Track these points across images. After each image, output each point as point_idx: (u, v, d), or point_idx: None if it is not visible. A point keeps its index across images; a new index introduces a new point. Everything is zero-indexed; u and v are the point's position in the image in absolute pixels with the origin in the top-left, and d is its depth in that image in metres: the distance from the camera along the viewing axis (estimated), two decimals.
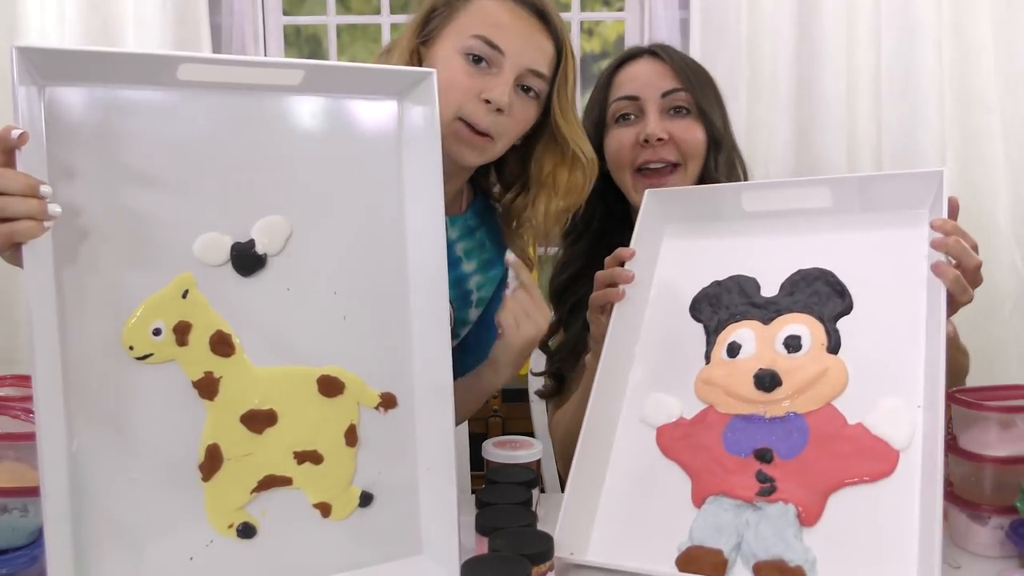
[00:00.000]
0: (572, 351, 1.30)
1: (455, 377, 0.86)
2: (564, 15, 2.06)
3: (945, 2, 1.77)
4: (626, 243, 1.05)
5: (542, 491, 1.19)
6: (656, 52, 1.27)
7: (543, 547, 0.77)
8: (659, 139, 1.21)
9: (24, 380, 1.12)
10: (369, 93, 0.85)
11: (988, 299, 1.76)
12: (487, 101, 0.99)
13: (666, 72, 1.24)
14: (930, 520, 0.76)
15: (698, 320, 0.98)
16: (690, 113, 1.23)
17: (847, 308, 0.92)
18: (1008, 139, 1.78)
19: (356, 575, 0.83)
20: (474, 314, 1.17)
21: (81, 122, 0.73)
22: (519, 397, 1.70)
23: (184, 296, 0.78)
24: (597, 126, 1.29)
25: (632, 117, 1.25)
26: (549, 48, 1.04)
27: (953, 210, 0.89)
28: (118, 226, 0.75)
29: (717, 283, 0.99)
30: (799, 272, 0.96)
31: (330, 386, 0.83)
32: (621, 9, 2.06)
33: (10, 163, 0.68)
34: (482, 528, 0.84)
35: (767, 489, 0.85)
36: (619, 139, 1.24)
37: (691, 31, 1.82)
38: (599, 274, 1.03)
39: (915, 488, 0.81)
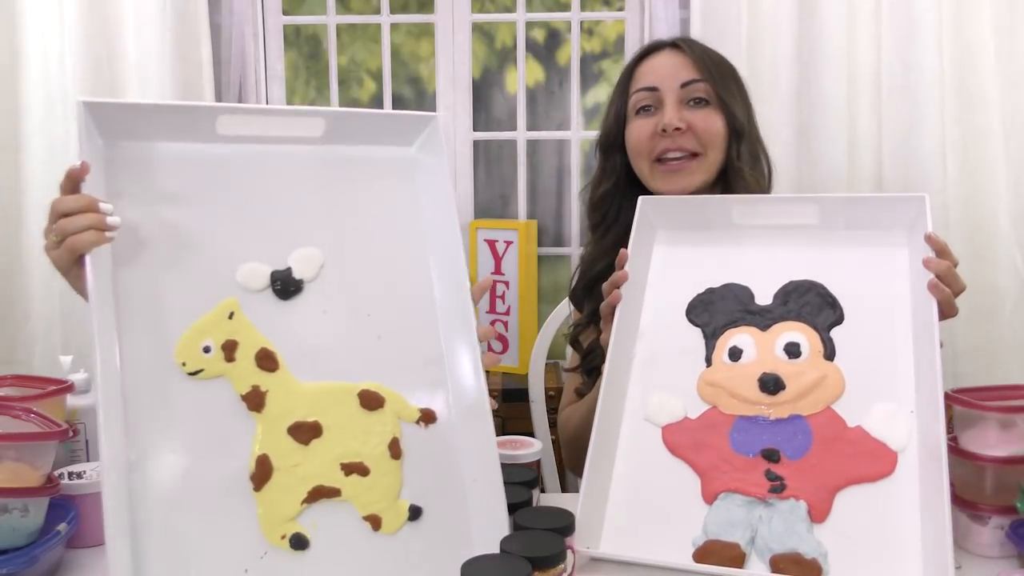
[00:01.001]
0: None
1: None
2: (564, 15, 2.07)
3: (945, 2, 1.76)
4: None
5: (542, 491, 1.20)
6: (678, 44, 1.29)
7: (556, 549, 0.77)
8: (677, 128, 1.23)
9: (24, 380, 1.12)
10: (383, 142, 0.96)
11: (988, 299, 1.76)
12: None
13: (686, 63, 1.26)
14: (939, 520, 0.80)
15: (695, 324, 1.01)
16: (710, 103, 1.25)
17: (839, 318, 0.96)
18: (1008, 139, 1.77)
19: None
20: None
21: (137, 173, 0.85)
22: (519, 397, 1.70)
23: (230, 317, 0.85)
24: (619, 118, 1.31)
25: (652, 108, 1.27)
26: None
27: (939, 248, 0.93)
28: (171, 257, 0.84)
29: (711, 290, 1.02)
30: (791, 283, 0.99)
31: (371, 400, 0.88)
32: (621, 9, 2.06)
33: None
34: None
35: (778, 487, 0.89)
36: (639, 129, 1.26)
37: (691, 31, 1.82)
38: (605, 284, 1.04)
39: (915, 487, 0.85)
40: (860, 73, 1.80)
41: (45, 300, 1.80)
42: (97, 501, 0.97)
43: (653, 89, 1.26)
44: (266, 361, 0.85)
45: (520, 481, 0.96)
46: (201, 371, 0.83)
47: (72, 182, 0.80)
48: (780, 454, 0.90)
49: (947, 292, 0.90)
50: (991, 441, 0.92)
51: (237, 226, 0.87)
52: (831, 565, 0.84)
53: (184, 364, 0.82)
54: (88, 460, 1.12)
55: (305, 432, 0.85)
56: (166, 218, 0.85)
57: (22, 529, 0.87)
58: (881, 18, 1.79)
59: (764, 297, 1.00)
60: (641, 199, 1.08)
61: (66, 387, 1.09)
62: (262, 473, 0.82)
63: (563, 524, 0.82)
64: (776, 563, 0.85)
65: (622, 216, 1.30)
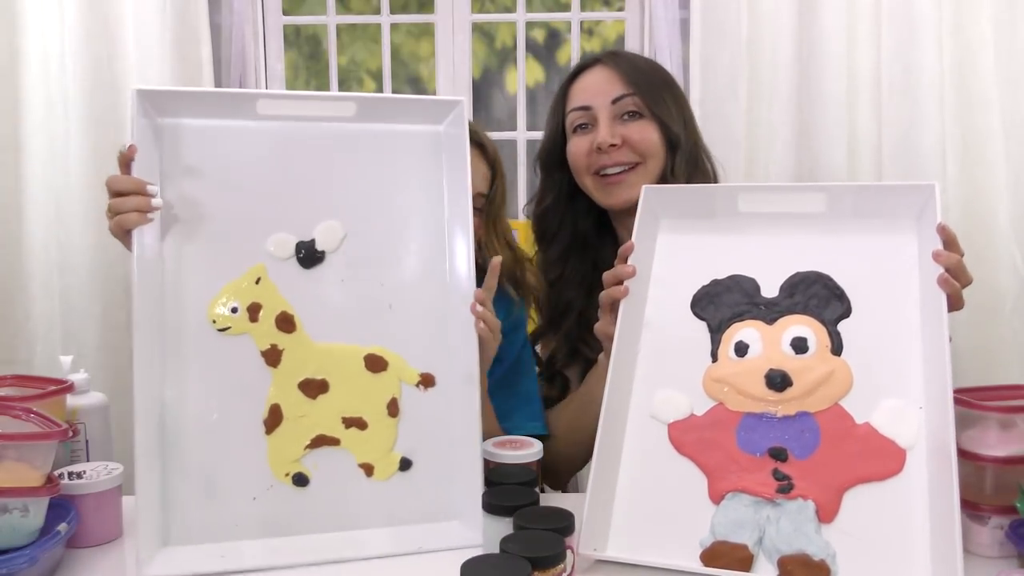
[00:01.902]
0: (570, 353, 1.32)
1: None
2: (564, 15, 2.07)
3: (945, 2, 1.76)
4: (601, 244, 1.07)
5: (542, 491, 1.20)
6: (607, 60, 1.31)
7: (556, 549, 0.77)
8: (611, 145, 1.25)
9: (24, 380, 1.12)
10: (411, 120, 1.03)
11: (988, 299, 1.76)
12: None
13: (616, 79, 1.28)
14: (947, 516, 0.79)
15: (700, 317, 1.00)
16: (643, 116, 1.27)
17: (846, 311, 0.95)
18: (1008, 139, 1.77)
19: (393, 531, 0.96)
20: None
21: (183, 147, 0.96)
22: None
23: (257, 283, 0.98)
24: (556, 137, 1.34)
25: (588, 125, 1.29)
26: (486, 170, 1.24)
27: (949, 240, 0.92)
28: (210, 226, 0.96)
29: (716, 281, 1.01)
30: (797, 274, 0.98)
31: (375, 363, 1.00)
32: (621, 9, 2.06)
33: (129, 173, 0.92)
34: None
35: (785, 487, 0.88)
36: (577, 148, 1.30)
37: (691, 31, 1.82)
38: (606, 274, 1.05)
39: (923, 486, 0.85)
40: (860, 73, 1.80)
41: (45, 300, 1.80)
42: (97, 501, 0.98)
43: (586, 108, 1.29)
44: (285, 324, 0.97)
45: (521, 481, 0.96)
46: (228, 328, 0.96)
47: (125, 160, 0.92)
48: (788, 453, 0.90)
49: (956, 286, 0.89)
50: (991, 441, 0.92)
51: (270, 199, 0.98)
52: (839, 566, 0.83)
53: (215, 322, 0.96)
54: (88, 460, 1.12)
55: (313, 388, 0.98)
56: (207, 192, 0.96)
57: (22, 529, 0.87)
58: (881, 18, 1.79)
59: (770, 289, 0.99)
60: (645, 188, 1.07)
61: (66, 387, 1.09)
62: (273, 420, 0.96)
63: (563, 524, 0.82)
64: (784, 564, 0.84)
65: (563, 228, 1.36)
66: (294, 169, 0.99)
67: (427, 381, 1.01)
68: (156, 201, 0.91)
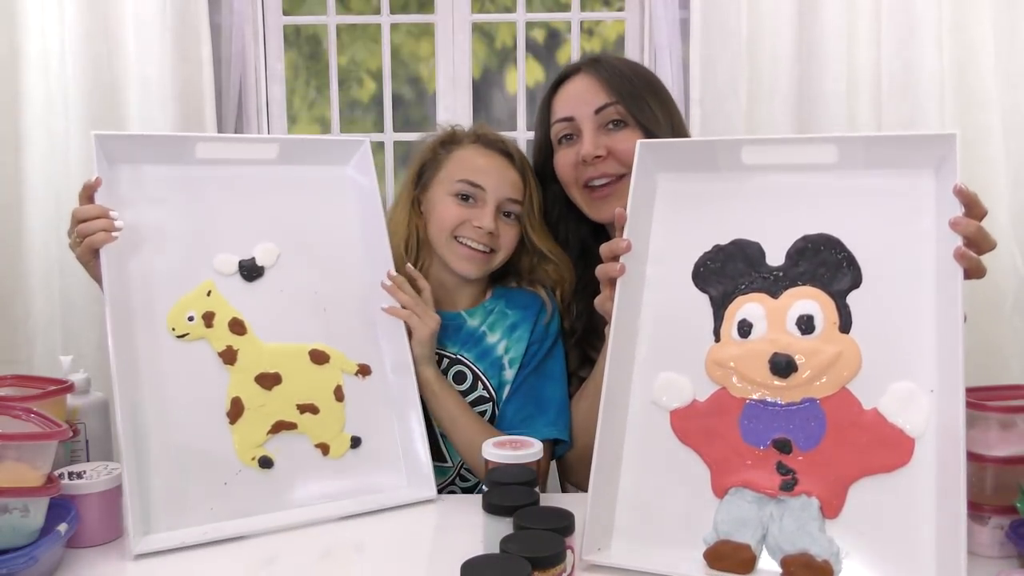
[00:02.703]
0: (581, 360, 1.32)
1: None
2: (564, 15, 2.07)
3: (945, 2, 1.76)
4: (598, 243, 1.06)
5: (542, 491, 1.20)
6: (589, 67, 1.28)
7: (556, 549, 0.77)
8: (597, 157, 1.23)
9: (24, 380, 1.12)
10: (326, 162, 1.21)
11: (988, 299, 1.76)
12: (478, 227, 1.23)
13: (598, 87, 1.25)
14: (954, 509, 0.77)
15: (702, 291, 0.95)
16: (627, 124, 1.24)
17: (856, 282, 0.89)
18: (1008, 138, 1.77)
19: (352, 501, 1.09)
20: (509, 374, 1.28)
21: (134, 187, 1.09)
22: None
23: (208, 295, 1.10)
24: (543, 148, 1.32)
25: (573, 136, 1.27)
26: (517, 178, 1.27)
27: (969, 202, 0.85)
28: (162, 249, 1.09)
29: (719, 248, 0.96)
30: (805, 239, 0.92)
31: (319, 357, 1.15)
32: (621, 9, 2.06)
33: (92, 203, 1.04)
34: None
35: (789, 483, 0.86)
36: (563, 160, 1.28)
37: (691, 31, 1.82)
38: (602, 248, 1.01)
39: (931, 476, 0.82)
40: (860, 72, 1.80)
41: (45, 300, 1.80)
42: (97, 501, 0.98)
43: (569, 119, 1.26)
44: (237, 327, 1.11)
45: (521, 482, 0.96)
46: (187, 335, 1.08)
47: (88, 192, 1.04)
48: (792, 444, 0.87)
49: (975, 259, 0.83)
50: (991, 441, 0.92)
51: (212, 226, 1.12)
52: (843, 563, 0.82)
53: (173, 329, 1.07)
54: (88, 460, 1.12)
55: (268, 380, 1.11)
56: (158, 221, 1.09)
57: (22, 529, 0.87)
58: (881, 17, 1.79)
59: (776, 255, 0.92)
60: (640, 143, 1.00)
61: (66, 387, 1.09)
62: (236, 411, 1.08)
63: (563, 524, 0.82)
64: (787, 565, 0.83)
65: (571, 237, 1.35)
66: (232, 202, 1.14)
67: (364, 371, 1.17)
68: (119, 223, 1.03)
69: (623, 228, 0.98)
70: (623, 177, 1.24)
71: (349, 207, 1.21)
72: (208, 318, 1.09)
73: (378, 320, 1.19)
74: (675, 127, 1.28)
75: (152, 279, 1.07)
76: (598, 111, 1.25)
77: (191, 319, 1.08)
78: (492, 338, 1.29)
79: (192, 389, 1.06)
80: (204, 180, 1.13)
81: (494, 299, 1.33)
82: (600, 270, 1.01)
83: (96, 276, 1.05)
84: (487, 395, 1.27)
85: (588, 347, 1.31)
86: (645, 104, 1.25)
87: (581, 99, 1.26)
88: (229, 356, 1.09)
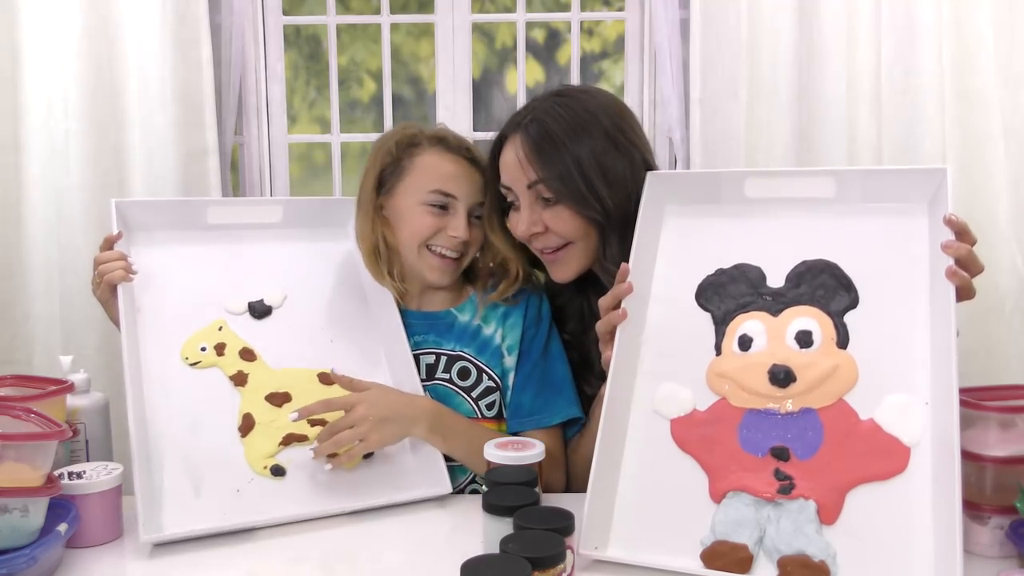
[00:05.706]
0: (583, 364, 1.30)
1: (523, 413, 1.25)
2: (564, 15, 2.07)
3: (945, 2, 1.76)
4: (590, 276, 1.07)
5: (559, 477, 1.20)
6: (515, 132, 1.21)
7: (556, 549, 0.77)
8: (535, 233, 1.20)
9: (24, 380, 1.12)
10: (324, 224, 1.35)
11: (988, 299, 1.76)
12: (453, 236, 1.26)
13: (526, 160, 1.18)
14: (949, 516, 0.78)
15: (704, 309, 0.99)
16: (558, 201, 1.17)
17: (853, 302, 0.93)
18: (1008, 139, 1.77)
19: (368, 500, 1.11)
20: (509, 360, 1.29)
21: (152, 247, 1.23)
22: None
23: (220, 330, 1.21)
24: (500, 201, 1.26)
25: (516, 203, 1.23)
26: (481, 180, 1.29)
27: (959, 230, 0.89)
28: (177, 294, 1.21)
29: (722, 271, 1.00)
30: (804, 263, 0.96)
31: (327, 379, 1.20)
32: (621, 9, 2.06)
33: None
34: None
35: (786, 487, 0.87)
36: (512, 225, 1.25)
37: (691, 31, 1.82)
38: (602, 300, 1.02)
39: (927, 484, 0.84)
40: (860, 73, 1.80)
41: (45, 300, 1.80)
42: (97, 501, 0.98)
43: (509, 189, 1.22)
44: (247, 355, 1.20)
45: (522, 482, 0.96)
46: (199, 363, 1.17)
47: (109, 244, 1.18)
48: (790, 452, 0.89)
49: (966, 278, 0.87)
50: (991, 441, 0.92)
51: (223, 276, 1.25)
52: (840, 567, 0.82)
53: (187, 358, 1.17)
54: (88, 460, 1.12)
55: (278, 398, 1.18)
56: (171, 270, 1.22)
57: (22, 529, 0.87)
58: (881, 18, 1.79)
59: (777, 278, 0.97)
60: (650, 174, 1.06)
61: (66, 387, 1.09)
62: (247, 425, 1.15)
63: (563, 524, 0.82)
64: (784, 565, 0.84)
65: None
66: (241, 256, 1.28)
67: None
68: (135, 267, 1.16)
69: (625, 278, 1.00)
70: (567, 245, 1.20)
71: (348, 260, 1.33)
72: (219, 348, 1.18)
73: (383, 347, 1.28)
74: (617, 184, 1.15)
75: (165, 315, 1.18)
76: (529, 187, 1.19)
77: (203, 349, 1.17)
78: (488, 330, 1.31)
79: (205, 408, 1.13)
80: (215, 240, 1.27)
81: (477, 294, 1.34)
82: (601, 325, 1.02)
83: (114, 317, 1.15)
84: (493, 384, 1.28)
85: (581, 381, 1.29)
86: (574, 176, 1.15)
87: (514, 172, 1.20)
88: (240, 379, 1.17)
